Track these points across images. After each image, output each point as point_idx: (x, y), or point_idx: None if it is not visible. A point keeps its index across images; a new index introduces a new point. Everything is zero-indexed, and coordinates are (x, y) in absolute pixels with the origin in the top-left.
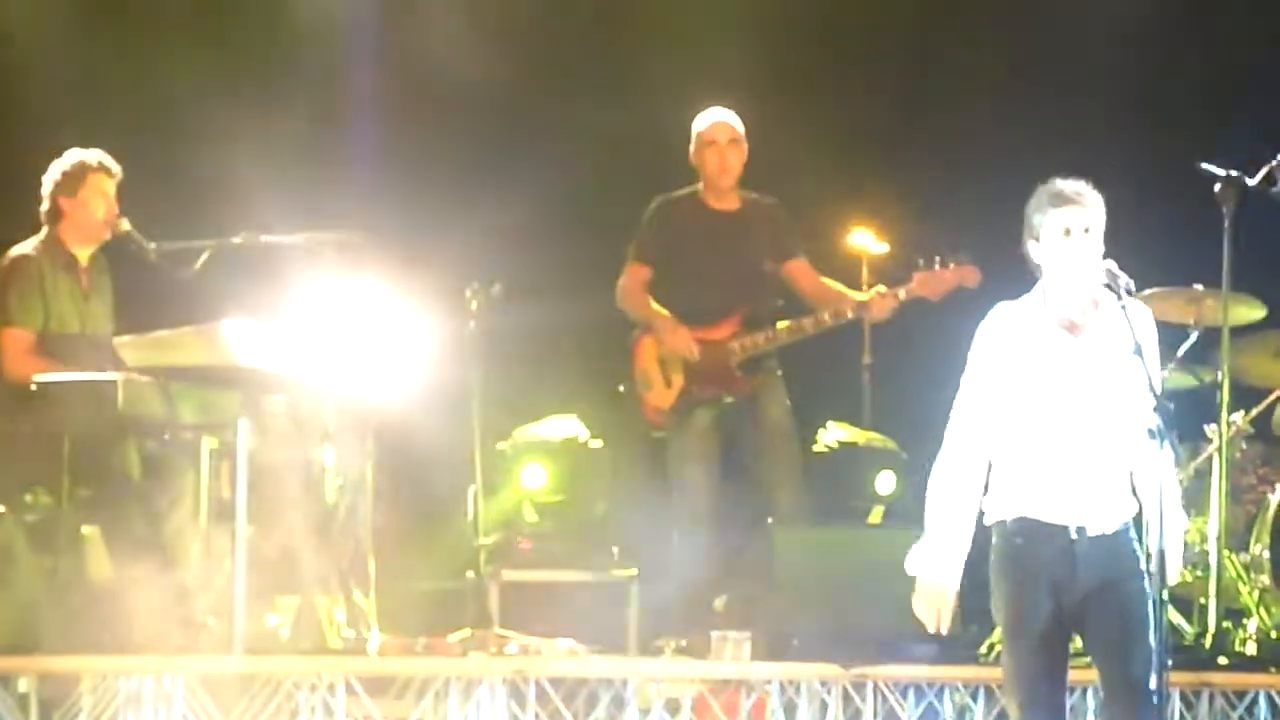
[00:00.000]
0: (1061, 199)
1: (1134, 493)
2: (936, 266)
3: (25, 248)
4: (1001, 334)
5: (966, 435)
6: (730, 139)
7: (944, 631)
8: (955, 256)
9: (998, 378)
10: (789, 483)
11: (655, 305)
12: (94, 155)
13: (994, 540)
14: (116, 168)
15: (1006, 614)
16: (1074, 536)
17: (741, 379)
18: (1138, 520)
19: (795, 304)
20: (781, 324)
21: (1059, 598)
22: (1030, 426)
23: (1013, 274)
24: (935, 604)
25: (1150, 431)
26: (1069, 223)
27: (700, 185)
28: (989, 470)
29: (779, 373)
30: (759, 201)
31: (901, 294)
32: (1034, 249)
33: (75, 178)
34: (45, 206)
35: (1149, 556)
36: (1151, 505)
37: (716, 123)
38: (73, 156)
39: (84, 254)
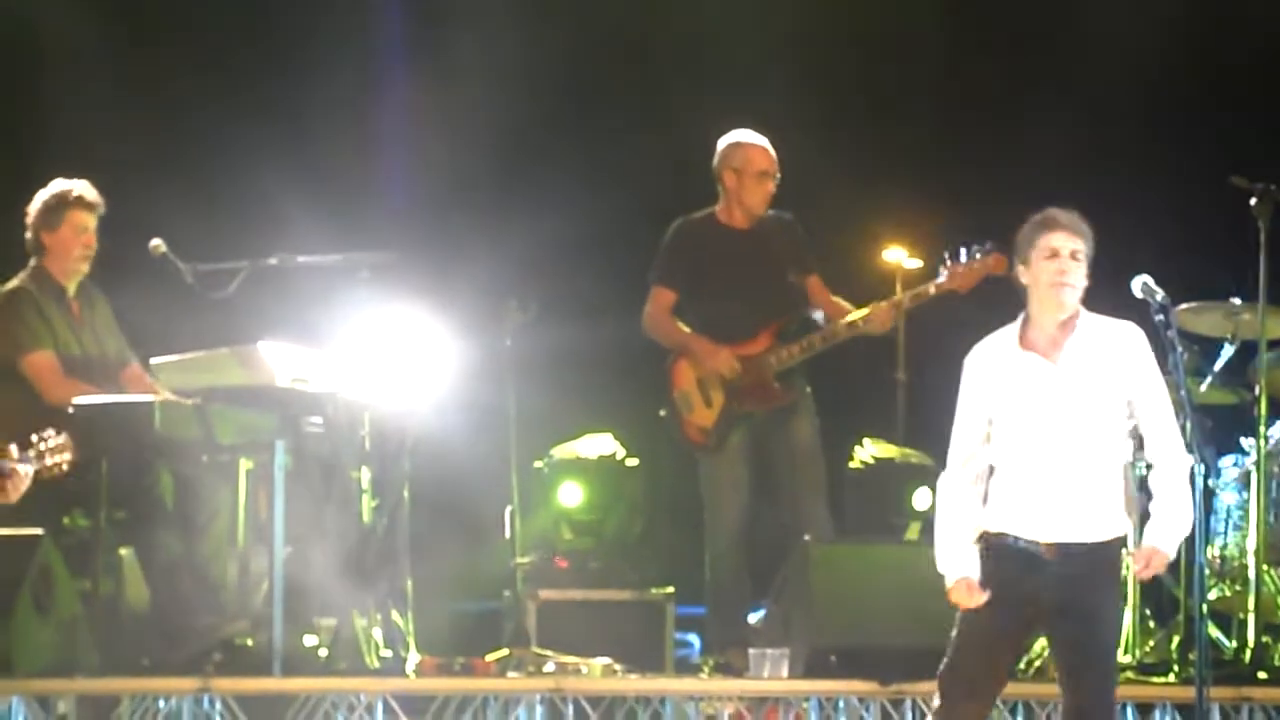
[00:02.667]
0: (1054, 224)
1: (1122, 512)
2: (963, 258)
3: (16, 282)
4: (982, 364)
5: (959, 456)
6: (773, 171)
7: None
8: (981, 246)
9: (983, 405)
10: (815, 498)
11: (686, 329)
12: (76, 188)
13: (979, 550)
14: (97, 199)
15: (965, 620)
16: (1045, 555)
17: (780, 391)
18: (1123, 540)
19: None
20: (815, 333)
21: (1026, 609)
22: (1011, 446)
23: None
24: (965, 594)
25: (1187, 446)
26: (1057, 245)
27: (718, 205)
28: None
29: (808, 389)
30: (776, 217)
31: (931, 290)
32: (1020, 272)
33: (54, 212)
34: (29, 238)
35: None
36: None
37: (761, 152)
38: (55, 188)
39: (71, 285)
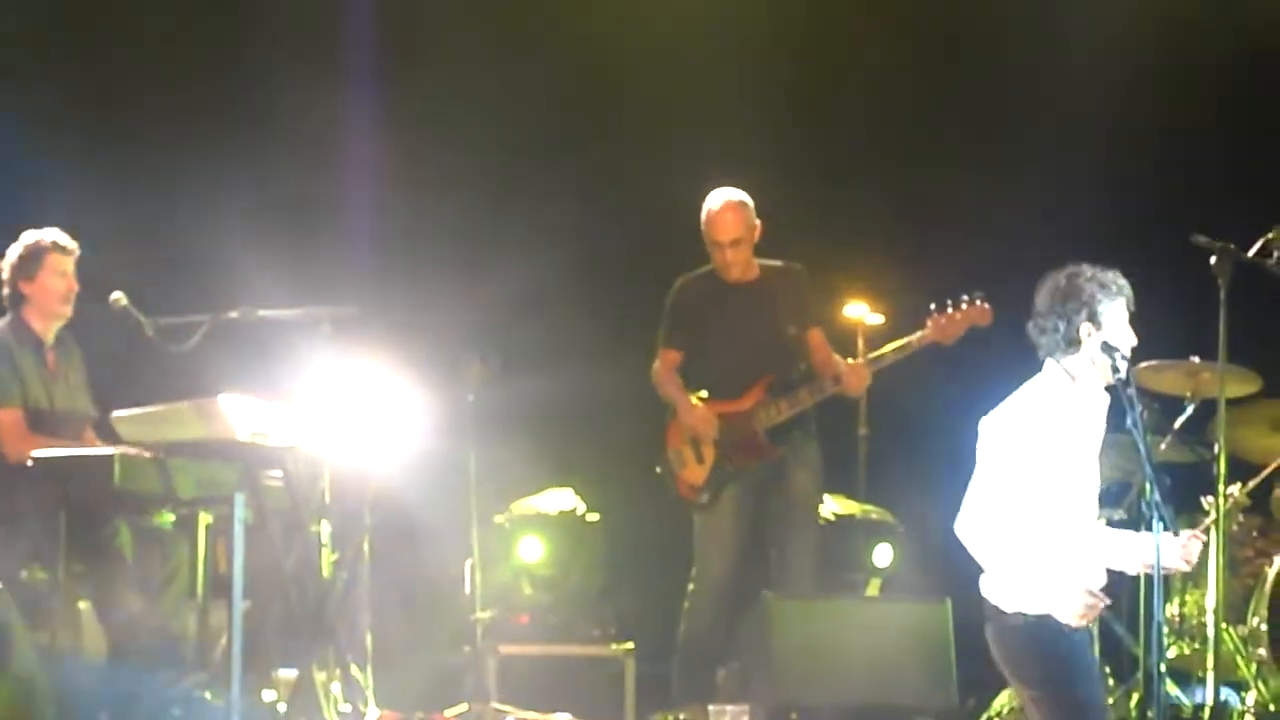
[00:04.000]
0: (1122, 290)
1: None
2: (949, 309)
3: None
4: (1070, 416)
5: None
6: (731, 241)
7: None
8: (966, 297)
9: (1064, 460)
10: (804, 552)
11: (677, 388)
12: (49, 235)
13: (1044, 631)
14: (72, 245)
15: (1087, 697)
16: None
17: (769, 446)
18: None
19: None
20: (804, 388)
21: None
22: (1072, 513)
23: (1009, 347)
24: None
25: (1147, 504)
26: (1129, 310)
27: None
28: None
29: (814, 439)
30: (783, 269)
31: (915, 340)
32: (1089, 333)
33: (32, 260)
34: (5, 291)
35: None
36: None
37: (720, 222)
38: (28, 239)
39: (49, 334)
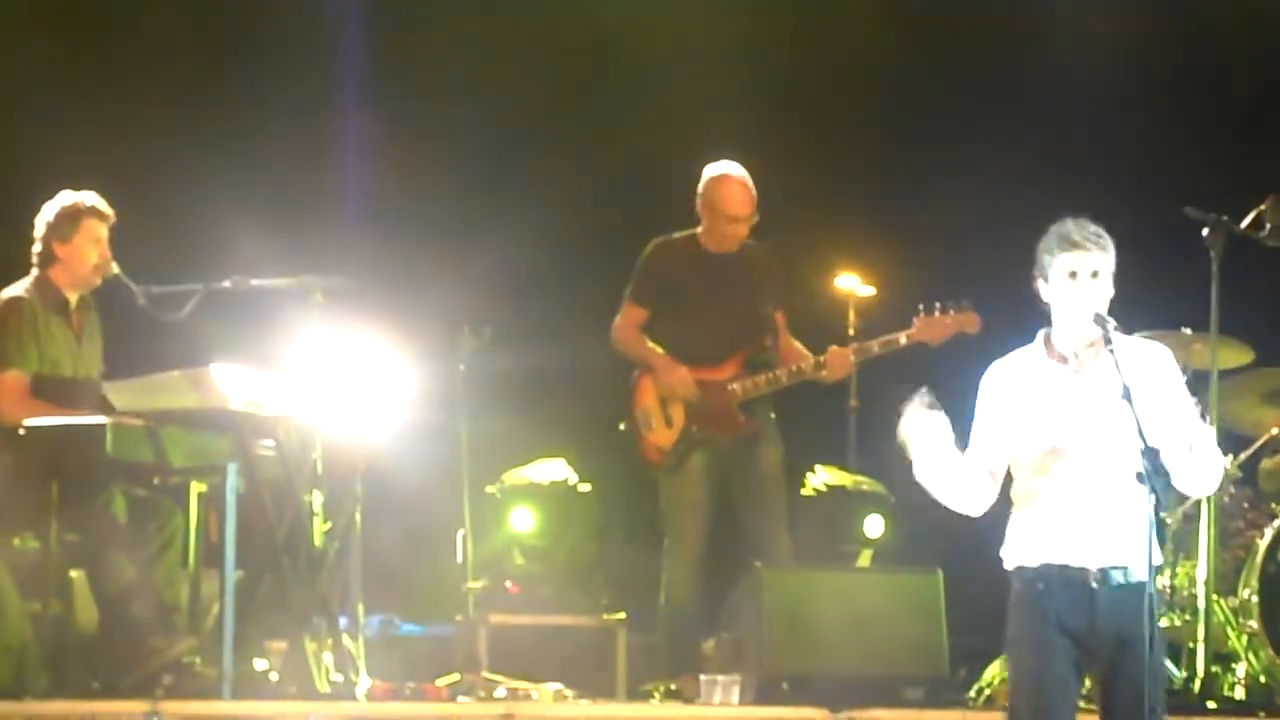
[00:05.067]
0: (1069, 243)
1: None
2: (937, 312)
3: (17, 289)
4: (1005, 382)
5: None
6: (746, 215)
7: None
8: (956, 303)
9: (1006, 423)
10: (778, 527)
11: (651, 345)
12: (88, 199)
13: (1014, 585)
14: (110, 211)
15: (1026, 659)
16: (1094, 585)
17: (743, 420)
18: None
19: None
20: (782, 368)
21: (1078, 645)
22: (1043, 469)
23: (999, 320)
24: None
25: (1137, 476)
26: (1075, 266)
27: (700, 229)
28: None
29: (772, 415)
30: (757, 246)
31: (903, 339)
32: (1042, 288)
33: (69, 222)
34: (38, 249)
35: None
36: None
37: (738, 195)
38: (66, 199)
39: (74, 297)
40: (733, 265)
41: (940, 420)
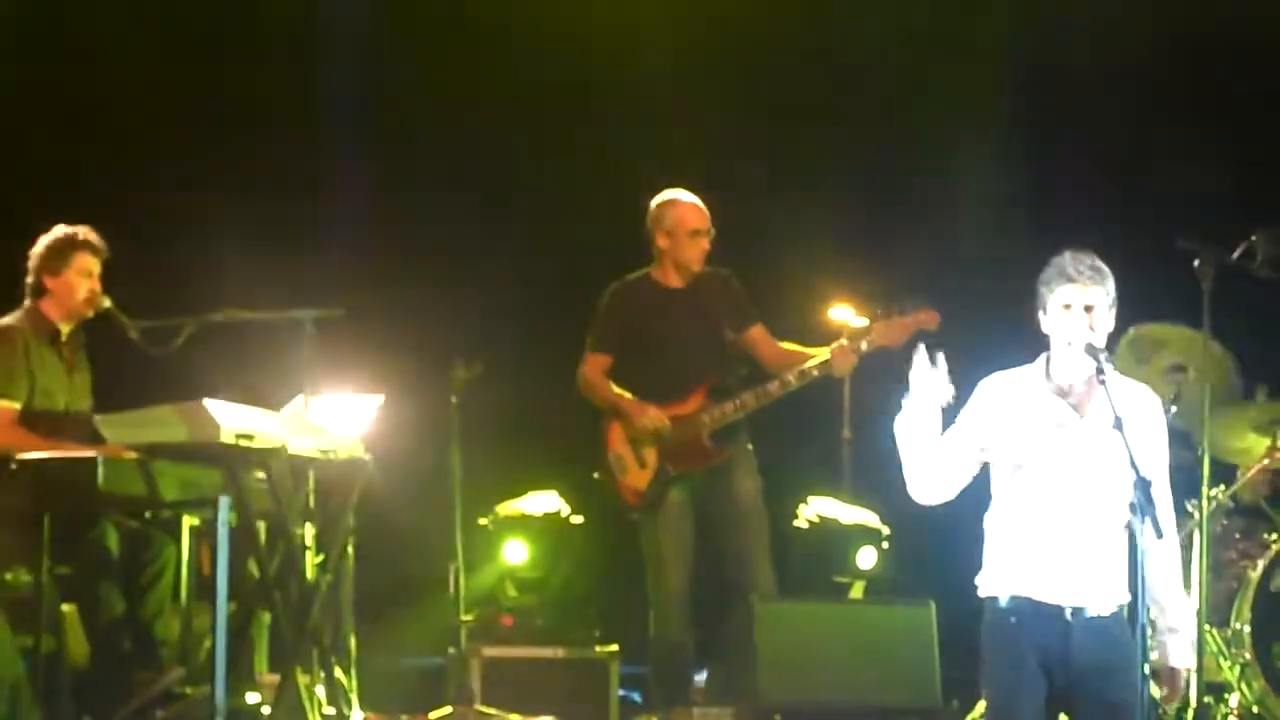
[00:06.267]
0: (1064, 277)
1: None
2: (894, 315)
3: (9, 320)
4: (1001, 395)
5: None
6: (705, 229)
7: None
8: (912, 302)
9: (993, 435)
10: (760, 556)
11: (618, 390)
12: (80, 232)
13: (986, 616)
14: (102, 245)
15: (996, 692)
16: (1069, 618)
17: (714, 450)
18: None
19: (758, 371)
20: (748, 392)
21: (1051, 678)
22: (1028, 500)
23: (1000, 351)
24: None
25: (1130, 507)
26: (1070, 299)
27: (652, 267)
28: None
29: (749, 446)
30: (712, 274)
31: (863, 346)
32: (1041, 320)
33: (60, 255)
34: (30, 281)
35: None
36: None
37: (692, 210)
38: (59, 233)
39: (65, 329)
40: (689, 296)
41: (946, 387)
